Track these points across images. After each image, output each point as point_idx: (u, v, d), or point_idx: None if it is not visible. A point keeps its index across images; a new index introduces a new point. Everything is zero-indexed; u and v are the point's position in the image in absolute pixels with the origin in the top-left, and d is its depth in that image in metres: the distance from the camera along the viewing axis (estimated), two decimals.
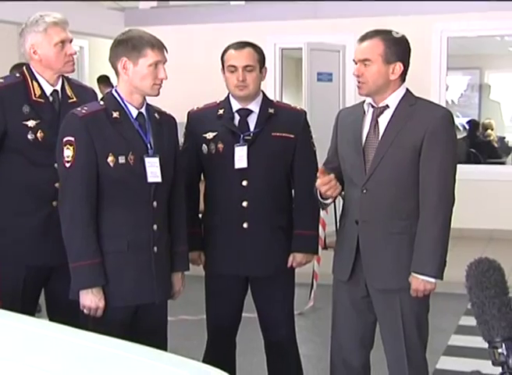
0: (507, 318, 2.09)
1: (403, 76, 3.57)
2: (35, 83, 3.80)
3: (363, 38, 3.53)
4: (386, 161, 3.50)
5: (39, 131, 3.75)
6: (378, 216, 3.54)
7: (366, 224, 3.56)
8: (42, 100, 3.80)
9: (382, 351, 3.72)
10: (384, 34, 3.52)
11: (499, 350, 2.09)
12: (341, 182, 3.60)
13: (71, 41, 3.84)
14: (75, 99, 3.88)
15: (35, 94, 3.79)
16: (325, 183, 3.49)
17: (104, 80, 9.80)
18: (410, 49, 3.56)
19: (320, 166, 3.76)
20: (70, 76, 4.02)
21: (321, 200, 3.65)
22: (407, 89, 3.61)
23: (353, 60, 3.57)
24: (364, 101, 3.66)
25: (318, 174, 3.53)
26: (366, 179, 3.53)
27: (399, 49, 3.52)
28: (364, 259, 3.58)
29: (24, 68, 3.86)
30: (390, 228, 3.53)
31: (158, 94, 3.47)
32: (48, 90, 3.83)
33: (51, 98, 3.83)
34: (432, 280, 3.49)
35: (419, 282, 3.48)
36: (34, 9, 3.98)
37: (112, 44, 3.45)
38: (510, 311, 2.11)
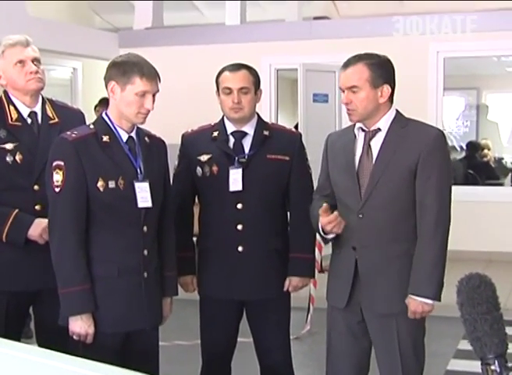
0: (499, 334, 2.08)
1: (391, 98, 3.53)
2: (12, 107, 3.79)
3: (346, 65, 3.51)
4: (382, 184, 3.46)
5: (18, 153, 3.72)
6: (376, 241, 3.49)
7: (364, 250, 3.51)
8: (19, 123, 3.77)
9: None
10: (366, 58, 3.48)
11: (492, 367, 2.08)
12: (335, 207, 3.55)
13: (34, 60, 3.80)
14: (57, 120, 3.85)
15: (11, 118, 3.77)
16: (331, 221, 3.44)
17: (104, 103, 9.57)
18: (394, 70, 3.53)
19: (315, 186, 3.71)
20: (64, 98, 3.98)
21: (323, 235, 3.58)
22: (397, 110, 3.57)
23: (340, 88, 3.53)
24: (354, 125, 3.62)
25: (320, 212, 3.47)
26: (362, 204, 3.48)
27: (384, 72, 3.48)
28: (364, 285, 3.52)
29: (2, 93, 3.85)
30: (390, 252, 3.49)
31: (143, 123, 3.44)
32: (25, 112, 3.81)
33: (29, 120, 3.80)
34: (430, 301, 3.45)
35: (417, 304, 3.44)
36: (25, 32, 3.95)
37: (108, 65, 3.42)
38: (502, 327, 2.10)
